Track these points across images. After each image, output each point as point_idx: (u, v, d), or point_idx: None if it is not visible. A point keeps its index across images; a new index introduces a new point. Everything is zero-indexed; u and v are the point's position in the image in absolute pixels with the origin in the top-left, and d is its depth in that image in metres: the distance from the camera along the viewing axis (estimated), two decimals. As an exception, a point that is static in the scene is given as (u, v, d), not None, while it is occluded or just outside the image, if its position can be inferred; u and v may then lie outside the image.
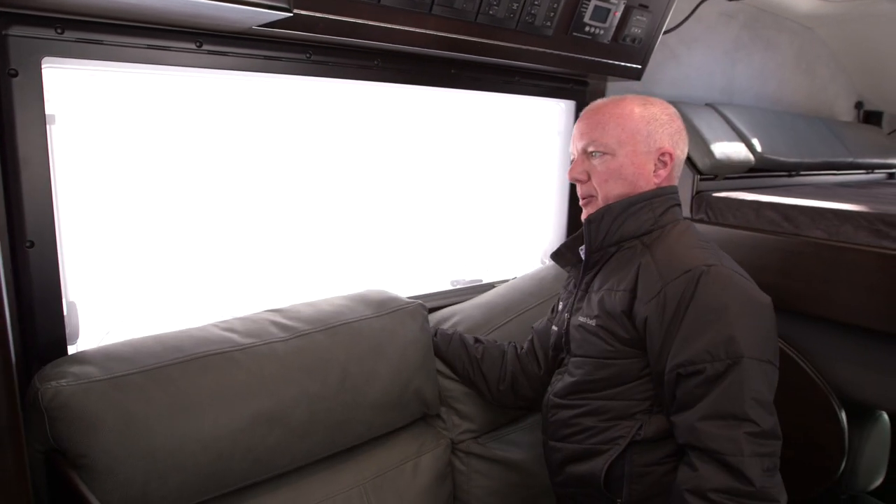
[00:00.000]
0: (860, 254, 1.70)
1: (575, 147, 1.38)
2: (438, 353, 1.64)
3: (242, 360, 1.28)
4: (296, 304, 1.52)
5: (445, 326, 1.70)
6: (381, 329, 1.50)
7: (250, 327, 1.37)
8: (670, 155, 1.33)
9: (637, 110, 1.33)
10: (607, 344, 1.27)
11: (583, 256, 1.38)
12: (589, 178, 1.35)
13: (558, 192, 2.26)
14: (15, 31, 1.15)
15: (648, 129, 1.32)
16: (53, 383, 1.10)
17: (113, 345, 1.26)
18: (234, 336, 1.32)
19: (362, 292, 1.65)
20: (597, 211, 1.33)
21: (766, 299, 1.21)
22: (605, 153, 1.32)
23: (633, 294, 1.24)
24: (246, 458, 1.25)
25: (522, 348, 1.60)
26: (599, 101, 1.38)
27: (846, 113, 3.77)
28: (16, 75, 1.16)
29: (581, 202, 1.40)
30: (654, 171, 1.33)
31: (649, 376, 1.24)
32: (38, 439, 1.11)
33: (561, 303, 1.49)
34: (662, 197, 1.33)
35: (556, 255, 1.50)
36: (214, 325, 1.37)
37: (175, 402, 1.18)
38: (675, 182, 1.38)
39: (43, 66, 1.19)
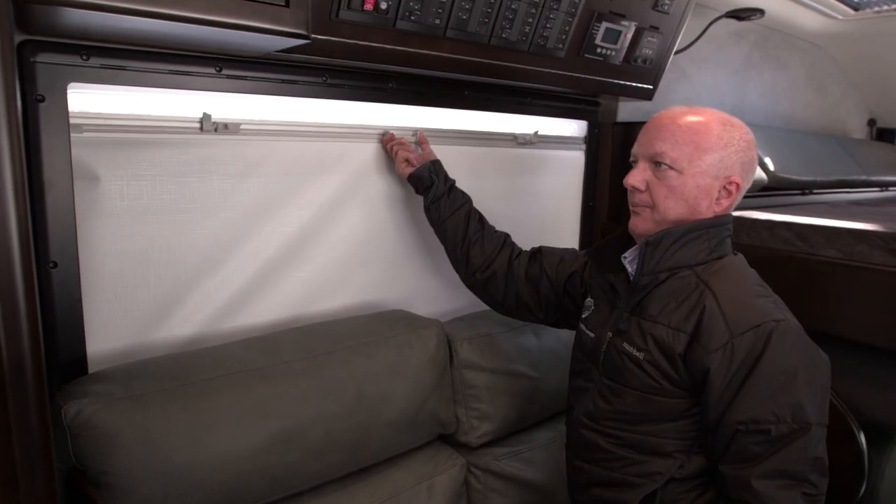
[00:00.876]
0: (876, 273, 1.69)
1: (641, 152, 1.28)
2: (439, 217, 1.63)
3: (260, 379, 1.29)
4: (314, 323, 1.53)
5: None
6: (397, 349, 1.51)
7: (268, 346, 1.38)
8: (737, 185, 1.25)
9: (717, 131, 1.23)
10: (653, 380, 1.21)
11: (629, 269, 1.29)
12: (647, 189, 1.27)
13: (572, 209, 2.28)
14: (43, 58, 1.18)
15: (723, 153, 1.23)
16: (76, 401, 1.11)
17: (133, 363, 1.28)
18: (253, 355, 1.34)
19: (381, 312, 1.67)
20: (657, 233, 1.24)
21: (826, 357, 1.20)
22: (672, 168, 1.23)
23: (694, 338, 1.17)
24: (263, 478, 1.26)
25: (516, 254, 1.60)
26: (678, 109, 1.28)
27: (859, 130, 3.77)
28: (42, 101, 1.19)
29: (632, 209, 1.31)
30: (717, 199, 1.25)
31: (693, 417, 1.21)
32: (60, 457, 1.12)
33: (594, 307, 1.40)
34: (720, 227, 1.26)
35: (595, 255, 1.42)
36: (233, 345, 1.39)
37: (194, 420, 1.19)
38: (732, 211, 1.31)
39: (68, 92, 1.22)
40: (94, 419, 1.10)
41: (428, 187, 1.63)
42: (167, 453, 1.15)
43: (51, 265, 1.24)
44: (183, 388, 1.21)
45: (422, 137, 1.74)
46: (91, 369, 1.31)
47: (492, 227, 1.65)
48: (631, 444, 1.26)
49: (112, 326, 1.35)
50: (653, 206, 1.26)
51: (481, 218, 1.65)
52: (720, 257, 1.26)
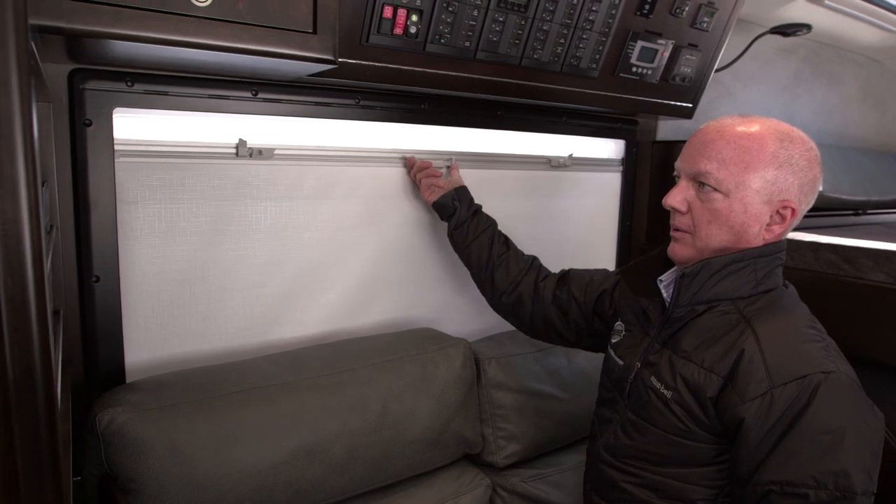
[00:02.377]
0: (928, 299, 1.61)
1: (683, 168, 1.15)
2: (464, 241, 1.61)
3: (285, 394, 1.33)
4: (340, 339, 1.56)
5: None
6: (422, 367, 1.52)
7: (294, 362, 1.42)
8: (793, 210, 1.10)
9: (772, 147, 1.08)
10: (680, 421, 1.11)
11: (664, 294, 1.20)
12: (688, 211, 1.14)
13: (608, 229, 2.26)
14: (91, 85, 1.26)
15: (778, 174, 1.08)
16: (109, 410, 1.17)
17: (165, 375, 1.33)
18: (279, 370, 1.37)
19: (408, 330, 1.68)
20: (695, 265, 1.13)
21: (880, 416, 1.06)
22: (717, 190, 1.10)
23: (729, 382, 1.06)
24: (286, 491, 1.29)
25: (543, 277, 1.54)
26: (729, 120, 1.14)
27: (922, 148, 3.58)
28: (90, 125, 1.27)
29: (672, 233, 1.19)
30: (768, 226, 1.11)
31: (721, 465, 1.10)
32: (94, 463, 1.18)
33: (625, 332, 1.30)
34: (770, 257, 1.13)
35: (628, 275, 1.34)
36: (260, 359, 1.43)
37: (220, 433, 1.23)
38: (785, 237, 1.17)
39: (114, 116, 1.30)
40: (125, 428, 1.16)
41: (451, 214, 1.63)
42: (192, 463, 1.19)
43: (94, 279, 1.31)
44: (210, 400, 1.25)
45: (453, 169, 1.75)
46: (129, 379, 1.37)
47: (518, 250, 1.62)
48: (652, 487, 1.16)
49: (149, 339, 1.41)
50: (694, 232, 1.14)
51: (507, 241, 1.63)
52: (768, 290, 1.13)
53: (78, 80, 1.26)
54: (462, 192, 1.66)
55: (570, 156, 2.07)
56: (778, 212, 1.11)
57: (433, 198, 1.66)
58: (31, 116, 0.52)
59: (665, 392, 1.13)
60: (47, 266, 0.68)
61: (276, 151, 1.51)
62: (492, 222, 1.65)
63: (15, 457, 0.50)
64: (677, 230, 1.18)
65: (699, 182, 1.12)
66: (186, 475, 1.18)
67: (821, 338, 1.10)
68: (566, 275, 1.54)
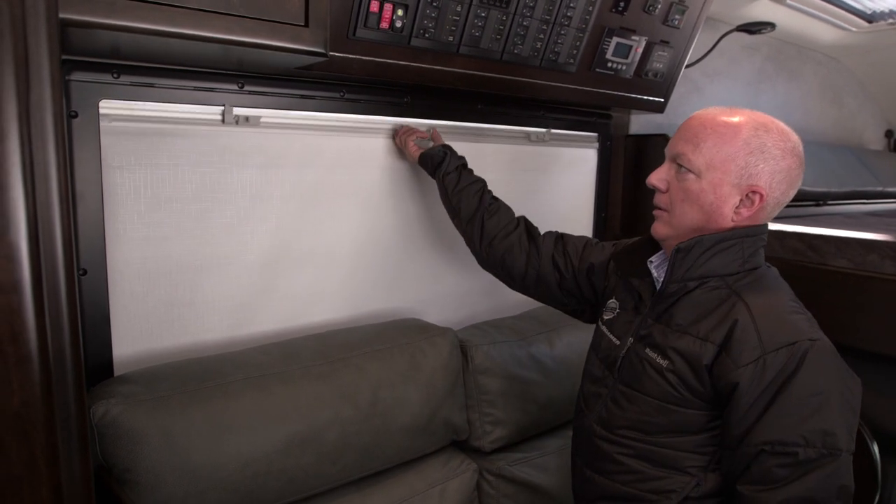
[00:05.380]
0: (887, 283, 1.70)
1: (667, 151, 1.25)
2: (455, 186, 1.60)
3: (278, 383, 1.34)
4: (331, 330, 1.57)
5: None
6: (411, 356, 1.55)
7: (286, 352, 1.43)
8: (761, 196, 1.16)
9: (745, 135, 1.15)
10: (674, 389, 1.17)
11: (655, 276, 1.27)
12: (668, 190, 1.23)
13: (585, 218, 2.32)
14: (76, 76, 1.25)
15: (748, 160, 1.15)
16: (104, 401, 1.17)
17: (157, 366, 1.33)
18: (271, 360, 1.38)
19: (395, 320, 1.71)
20: (689, 240, 1.19)
21: (858, 381, 1.15)
22: (690, 171, 1.18)
23: (723, 350, 1.12)
24: (280, 479, 1.30)
25: (537, 234, 1.55)
26: (714, 110, 1.21)
27: (876, 142, 3.75)
28: (76, 116, 1.26)
29: (654, 211, 1.27)
30: (737, 209, 1.18)
31: (712, 432, 1.16)
32: (88, 456, 1.18)
33: (619, 310, 1.35)
34: (754, 237, 1.20)
35: (619, 259, 1.39)
36: (253, 350, 1.44)
37: (214, 422, 1.24)
38: (767, 221, 1.24)
39: (100, 108, 1.29)
40: (120, 419, 1.16)
41: (439, 162, 1.63)
42: (187, 453, 1.19)
43: (80, 272, 1.30)
44: (204, 390, 1.26)
45: (435, 133, 1.76)
46: (116, 372, 1.37)
47: (508, 206, 1.62)
48: (646, 457, 1.21)
49: (137, 332, 1.41)
50: (670, 210, 1.22)
51: (496, 197, 1.62)
52: (754, 268, 1.21)
53: (63, 71, 1.24)
54: (449, 147, 1.66)
55: (549, 131, 2.11)
56: (747, 195, 1.17)
57: (419, 152, 1.67)
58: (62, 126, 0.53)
59: (661, 362, 1.19)
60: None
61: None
62: (482, 179, 1.65)
63: (56, 435, 0.51)
64: (657, 208, 1.25)
65: (678, 163, 1.20)
66: (182, 465, 1.18)
67: (803, 311, 1.19)
68: (562, 236, 1.55)
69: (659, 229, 1.25)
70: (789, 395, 1.07)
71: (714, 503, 1.18)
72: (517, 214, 1.61)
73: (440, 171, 1.63)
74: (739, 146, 1.15)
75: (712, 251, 1.18)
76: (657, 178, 1.24)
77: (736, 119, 1.17)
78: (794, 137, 1.19)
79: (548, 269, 1.51)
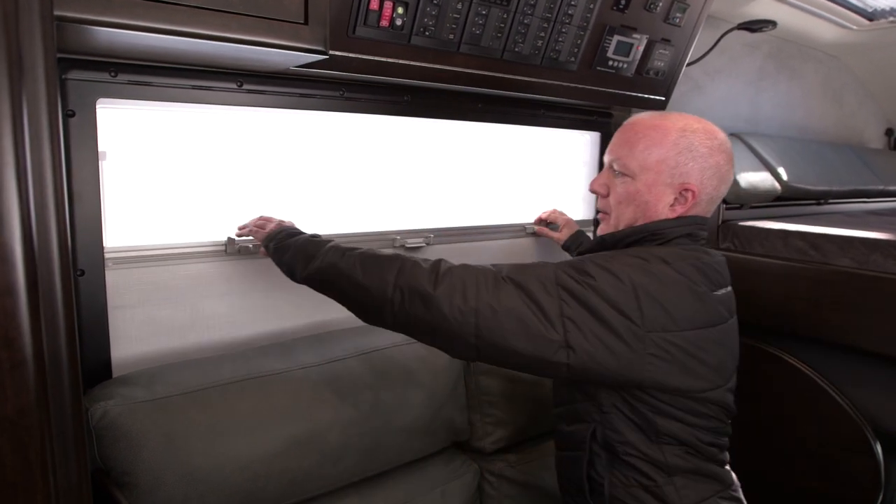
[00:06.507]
0: (891, 283, 1.69)
1: (606, 157, 1.32)
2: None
3: (278, 384, 1.33)
4: (331, 330, 1.56)
5: None
6: (413, 356, 1.54)
7: (286, 352, 1.42)
8: (693, 192, 1.23)
9: (673, 136, 1.22)
10: None
11: None
12: (608, 194, 1.30)
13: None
14: (73, 75, 1.24)
15: (678, 159, 1.22)
16: (102, 403, 1.15)
17: (156, 367, 1.32)
18: (271, 361, 1.37)
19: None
20: (610, 234, 1.29)
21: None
22: (625, 174, 1.26)
23: None
24: (281, 481, 1.29)
25: None
26: (643, 116, 1.29)
27: (876, 140, 3.74)
28: (73, 115, 1.25)
29: (598, 216, 1.36)
30: (671, 206, 1.24)
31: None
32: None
33: None
34: (674, 229, 1.23)
35: None
36: (252, 350, 1.43)
37: (214, 424, 1.23)
38: (705, 215, 1.28)
39: (97, 107, 1.28)
40: (119, 421, 1.14)
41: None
42: (187, 455, 1.18)
43: (78, 273, 1.29)
44: (203, 391, 1.25)
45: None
46: (115, 374, 1.35)
47: None
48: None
49: (135, 333, 1.39)
50: (611, 213, 1.30)
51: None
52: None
53: (60, 69, 1.23)
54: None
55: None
56: (681, 193, 1.23)
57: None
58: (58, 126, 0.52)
59: None
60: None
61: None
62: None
63: (51, 442, 0.50)
64: (600, 212, 1.34)
65: (614, 168, 1.28)
66: (181, 467, 1.17)
67: (635, 262, 1.16)
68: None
69: (603, 231, 1.33)
70: None
71: None
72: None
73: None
74: (669, 147, 1.22)
75: (630, 240, 1.25)
76: (598, 184, 1.32)
77: (664, 122, 1.25)
78: (721, 136, 1.27)
79: None
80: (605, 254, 1.19)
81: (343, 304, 1.22)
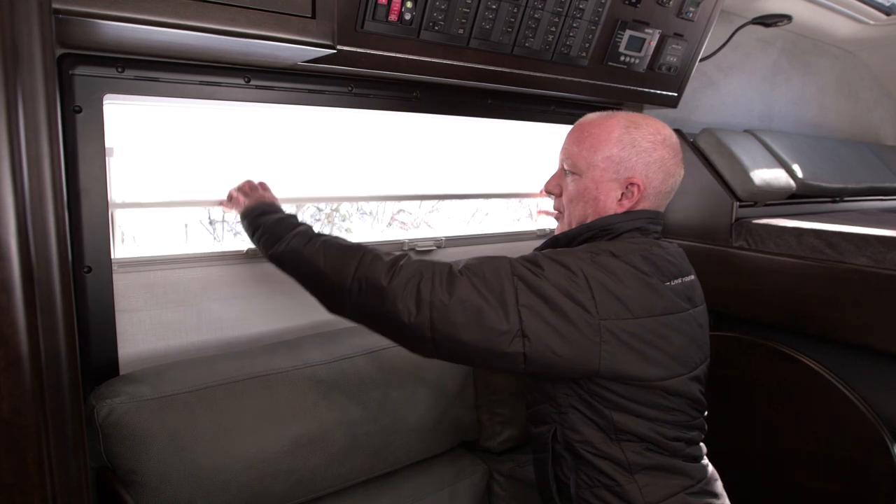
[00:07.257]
0: (908, 282, 1.66)
1: (559, 158, 1.36)
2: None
3: (285, 383, 1.32)
4: (338, 328, 1.55)
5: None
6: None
7: (293, 351, 1.41)
8: (639, 187, 1.25)
9: (616, 133, 1.26)
10: None
11: None
12: (561, 193, 1.34)
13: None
14: (80, 70, 1.23)
15: (622, 155, 1.25)
16: (108, 401, 1.15)
17: (162, 365, 1.31)
18: (277, 359, 1.36)
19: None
20: (563, 233, 1.31)
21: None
22: (573, 172, 1.29)
23: None
24: (287, 480, 1.28)
25: None
26: (590, 116, 1.33)
27: (893, 137, 3.68)
28: (80, 111, 1.24)
29: (554, 216, 1.39)
30: (619, 201, 1.27)
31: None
32: (92, 456, 1.16)
33: None
34: (623, 223, 1.26)
35: None
36: (260, 349, 1.41)
37: (220, 422, 1.22)
38: (657, 209, 1.30)
39: (104, 103, 1.27)
40: (125, 419, 1.14)
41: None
42: (193, 454, 1.17)
43: (86, 270, 1.29)
44: (209, 390, 1.24)
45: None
46: (122, 371, 1.35)
47: None
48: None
49: (142, 331, 1.39)
50: (564, 211, 1.33)
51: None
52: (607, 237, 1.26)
53: (67, 65, 1.22)
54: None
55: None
56: (627, 187, 1.26)
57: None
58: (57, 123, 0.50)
59: None
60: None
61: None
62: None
63: (48, 443, 0.49)
64: (555, 211, 1.38)
65: (564, 167, 1.32)
66: (187, 466, 1.16)
67: (587, 257, 1.17)
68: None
69: (559, 230, 1.35)
70: None
71: None
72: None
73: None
74: (613, 143, 1.25)
75: (584, 237, 1.27)
76: (552, 184, 1.36)
77: (610, 120, 1.28)
78: (666, 131, 1.29)
79: None
80: (558, 250, 1.22)
81: (307, 291, 1.23)
